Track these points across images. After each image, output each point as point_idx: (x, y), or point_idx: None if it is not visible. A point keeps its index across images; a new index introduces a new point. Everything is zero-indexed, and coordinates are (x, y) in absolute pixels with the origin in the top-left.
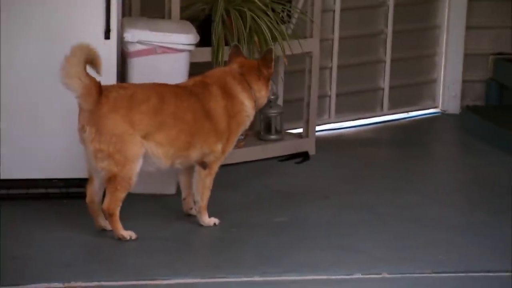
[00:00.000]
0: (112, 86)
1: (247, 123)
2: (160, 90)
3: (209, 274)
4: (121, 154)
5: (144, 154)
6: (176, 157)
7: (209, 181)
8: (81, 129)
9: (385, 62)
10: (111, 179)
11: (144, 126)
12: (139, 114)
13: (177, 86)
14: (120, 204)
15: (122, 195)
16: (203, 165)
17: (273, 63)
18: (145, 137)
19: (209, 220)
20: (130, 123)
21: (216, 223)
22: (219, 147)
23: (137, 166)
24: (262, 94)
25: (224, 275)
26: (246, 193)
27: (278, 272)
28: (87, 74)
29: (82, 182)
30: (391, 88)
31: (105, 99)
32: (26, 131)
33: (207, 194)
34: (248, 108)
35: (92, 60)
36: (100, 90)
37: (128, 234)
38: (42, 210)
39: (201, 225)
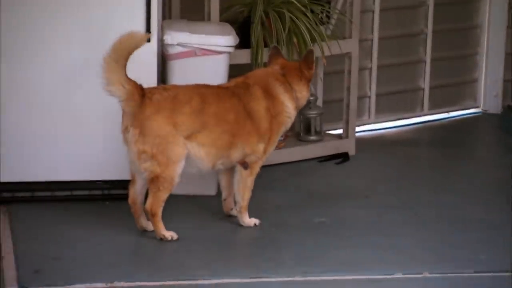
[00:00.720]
0: (155, 88)
1: (288, 123)
2: (202, 91)
3: (249, 274)
4: (164, 155)
5: (187, 156)
6: (218, 157)
7: (250, 182)
8: (125, 130)
9: (425, 62)
10: (154, 180)
11: (186, 127)
12: (181, 115)
13: (219, 87)
14: (163, 204)
15: (164, 195)
16: (244, 165)
17: (314, 64)
18: (188, 138)
19: (249, 221)
20: (173, 124)
21: (257, 224)
22: (260, 147)
23: (180, 167)
24: (303, 94)
25: (264, 275)
26: (286, 194)
27: (319, 272)
28: (129, 79)
29: (124, 184)
30: (431, 88)
31: (148, 101)
32: (69, 133)
33: (248, 194)
34: (290, 108)
35: (133, 51)
36: (143, 93)
37: (169, 234)
38: (85, 211)
39: (242, 226)
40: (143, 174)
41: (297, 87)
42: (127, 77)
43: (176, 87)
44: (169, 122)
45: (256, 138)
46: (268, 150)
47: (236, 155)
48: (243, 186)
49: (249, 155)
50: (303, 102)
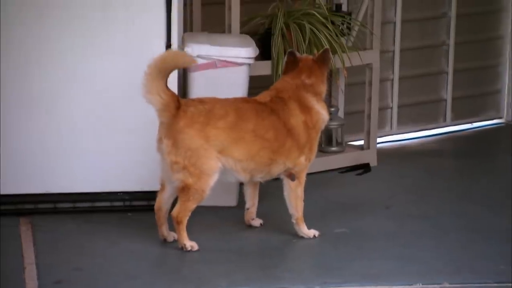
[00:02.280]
0: (192, 101)
1: (323, 126)
2: (240, 106)
3: (269, 284)
4: (197, 167)
5: (223, 168)
6: (257, 172)
7: (300, 191)
8: (159, 141)
9: (447, 73)
10: (184, 189)
11: (220, 141)
12: (215, 129)
13: (256, 102)
14: (189, 214)
15: (193, 205)
16: (292, 177)
17: (329, 62)
18: (221, 152)
19: (308, 232)
20: (205, 138)
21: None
22: (302, 159)
23: (213, 180)
24: (323, 90)
25: (284, 285)
26: (307, 204)
27: (339, 283)
28: (167, 90)
29: (146, 195)
30: (454, 99)
31: (183, 114)
32: (91, 145)
33: (300, 204)
34: (324, 116)
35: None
36: (179, 104)
37: (190, 244)
38: (107, 222)
39: (301, 236)
40: (174, 183)
41: (320, 89)
42: (166, 87)
43: (214, 100)
44: (201, 135)
45: (297, 153)
46: (311, 158)
47: (276, 170)
48: (294, 197)
49: (291, 168)
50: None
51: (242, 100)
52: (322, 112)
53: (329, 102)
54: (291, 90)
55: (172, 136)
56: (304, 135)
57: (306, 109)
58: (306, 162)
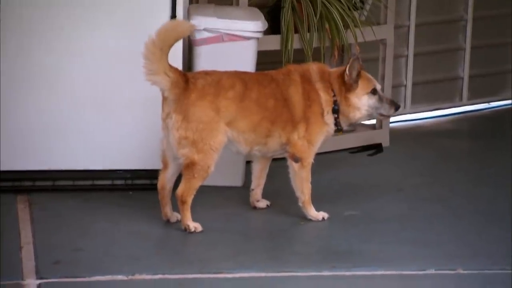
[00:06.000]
0: (198, 73)
1: (327, 119)
2: (243, 76)
3: (275, 267)
4: (205, 142)
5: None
6: (256, 143)
7: (305, 174)
8: (166, 117)
9: (464, 49)
10: (189, 166)
11: (230, 112)
12: (225, 100)
13: (258, 72)
14: (194, 193)
15: (198, 183)
16: (295, 158)
17: (355, 72)
18: (229, 124)
19: (316, 214)
20: (216, 110)
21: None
22: (295, 136)
23: (218, 155)
24: (342, 101)
25: (291, 269)
26: (316, 186)
27: (348, 267)
28: (171, 67)
29: (148, 174)
30: (471, 77)
31: (193, 87)
32: (91, 121)
33: (307, 187)
34: (323, 100)
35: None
36: (186, 78)
37: (194, 225)
38: (107, 202)
39: (309, 219)
40: (178, 160)
41: (337, 89)
42: (170, 65)
43: (218, 72)
44: (213, 107)
45: (291, 127)
46: (310, 140)
47: (272, 143)
48: (299, 180)
49: (285, 145)
50: (345, 109)
51: (243, 71)
52: (321, 94)
53: None
54: (302, 65)
55: (183, 110)
56: (300, 109)
57: (307, 84)
58: (303, 142)
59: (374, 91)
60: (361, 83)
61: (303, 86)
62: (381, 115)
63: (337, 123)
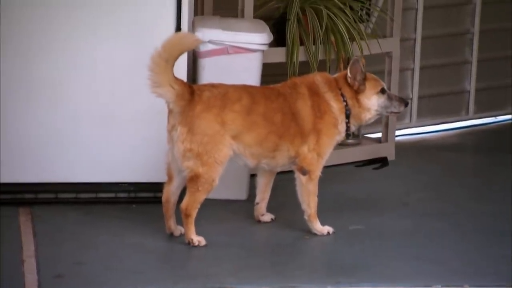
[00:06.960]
0: (204, 86)
1: (339, 127)
2: (250, 90)
3: (279, 282)
4: (210, 155)
5: (233, 154)
6: (263, 157)
7: (312, 187)
8: (171, 129)
9: (471, 63)
10: (194, 179)
11: (235, 126)
12: (232, 113)
13: (265, 86)
14: (198, 206)
15: (202, 196)
16: (303, 171)
17: (358, 73)
18: (234, 138)
19: (321, 228)
20: (222, 123)
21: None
22: (304, 149)
23: (222, 168)
24: (354, 103)
25: (296, 283)
26: (321, 200)
27: (353, 283)
28: (177, 79)
29: (151, 187)
30: (477, 90)
31: (198, 99)
32: (94, 134)
33: (313, 200)
34: (335, 109)
35: (183, 52)
36: (191, 90)
37: (197, 239)
38: (110, 214)
39: (314, 233)
40: (183, 172)
41: (347, 94)
42: (175, 77)
43: (224, 85)
44: (218, 120)
45: (300, 140)
46: (320, 152)
47: (280, 157)
48: (305, 193)
49: (294, 159)
50: (357, 112)
51: (250, 85)
52: (332, 104)
53: None
54: (307, 77)
55: (188, 123)
56: (309, 122)
57: (316, 96)
58: (312, 154)
59: (383, 90)
60: (368, 84)
61: (312, 99)
62: (392, 112)
63: (347, 128)
